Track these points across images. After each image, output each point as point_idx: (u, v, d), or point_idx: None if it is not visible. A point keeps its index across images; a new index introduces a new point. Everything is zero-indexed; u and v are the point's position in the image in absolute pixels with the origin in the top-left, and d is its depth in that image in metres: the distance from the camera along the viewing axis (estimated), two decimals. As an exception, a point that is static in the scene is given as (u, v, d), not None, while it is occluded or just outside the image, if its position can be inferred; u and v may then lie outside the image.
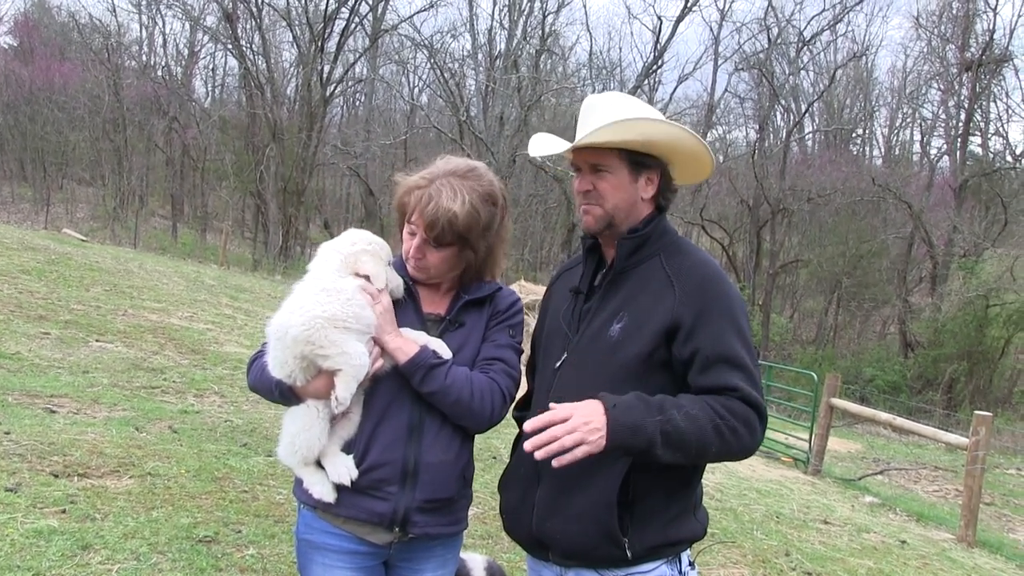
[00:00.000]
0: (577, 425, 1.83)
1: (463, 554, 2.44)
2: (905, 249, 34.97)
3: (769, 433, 12.80)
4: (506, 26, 35.11)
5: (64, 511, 4.06)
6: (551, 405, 1.91)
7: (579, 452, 1.84)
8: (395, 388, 2.15)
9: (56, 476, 4.53)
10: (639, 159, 2.14)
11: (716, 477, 8.41)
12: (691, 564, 2.15)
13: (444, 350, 2.17)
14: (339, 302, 2.03)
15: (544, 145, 2.26)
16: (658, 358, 2.04)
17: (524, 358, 2.40)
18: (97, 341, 8.75)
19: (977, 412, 9.00)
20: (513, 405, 2.35)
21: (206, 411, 6.82)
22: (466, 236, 2.16)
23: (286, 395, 2.13)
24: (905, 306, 32.48)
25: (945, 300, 30.07)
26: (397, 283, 2.21)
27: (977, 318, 28.33)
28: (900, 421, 10.98)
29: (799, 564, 5.77)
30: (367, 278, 2.14)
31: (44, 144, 37.37)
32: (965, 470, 8.55)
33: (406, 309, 2.23)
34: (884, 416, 11.39)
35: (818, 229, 37.44)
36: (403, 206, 2.21)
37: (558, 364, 2.17)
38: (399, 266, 2.27)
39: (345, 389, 2.02)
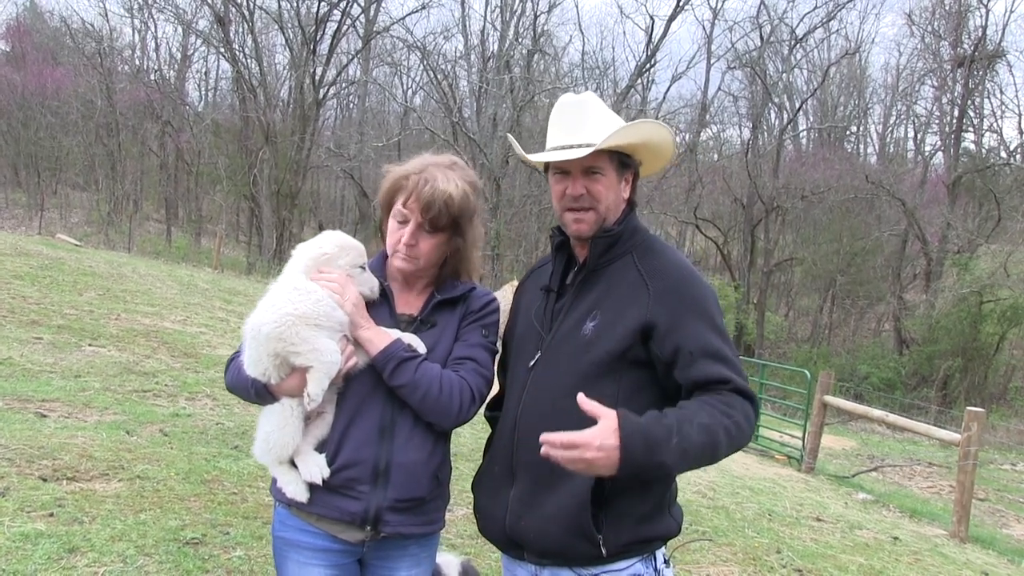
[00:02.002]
0: (588, 458, 1.80)
1: (438, 556, 2.44)
2: (899, 246, 35.06)
3: (763, 431, 12.97)
4: (498, 27, 35.22)
5: (52, 514, 4.06)
6: (565, 438, 1.80)
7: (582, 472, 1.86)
8: (367, 388, 2.17)
9: (44, 480, 4.52)
10: (625, 160, 2.18)
11: (709, 475, 8.42)
12: (666, 561, 2.15)
13: (419, 345, 2.19)
14: (310, 301, 2.07)
15: (561, 151, 2.15)
16: (632, 356, 2.05)
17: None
18: (90, 345, 8.74)
19: (969, 408, 8.99)
20: (484, 405, 2.35)
21: (198, 414, 6.82)
22: (458, 220, 2.20)
23: (261, 394, 2.16)
24: (899, 303, 32.57)
25: (939, 297, 30.09)
26: (372, 284, 2.23)
27: (971, 314, 28.41)
28: (893, 418, 11.00)
29: (790, 561, 5.77)
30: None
31: (37, 149, 37.31)
32: (957, 466, 8.57)
33: (380, 309, 2.24)
34: (877, 413, 11.42)
35: (812, 227, 37.55)
36: (395, 192, 2.25)
37: (532, 363, 2.17)
38: (375, 267, 2.29)
39: (317, 385, 2.05)
